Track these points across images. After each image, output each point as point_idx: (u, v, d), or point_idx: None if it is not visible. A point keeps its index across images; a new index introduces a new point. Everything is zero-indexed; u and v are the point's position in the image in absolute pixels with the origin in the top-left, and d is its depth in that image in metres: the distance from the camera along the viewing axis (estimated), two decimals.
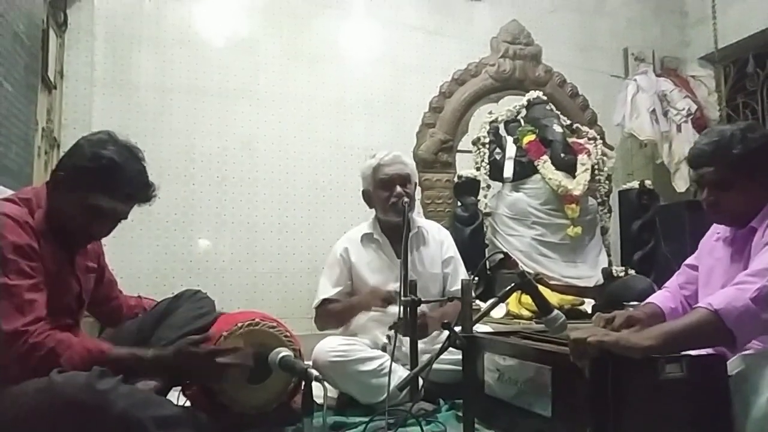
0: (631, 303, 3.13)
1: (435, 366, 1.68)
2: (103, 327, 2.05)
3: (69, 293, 1.71)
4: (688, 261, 1.94)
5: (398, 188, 2.42)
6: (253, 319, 1.83)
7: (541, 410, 1.59)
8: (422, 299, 2.03)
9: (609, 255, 3.99)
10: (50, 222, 1.64)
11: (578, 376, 1.43)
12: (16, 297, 1.48)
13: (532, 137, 3.82)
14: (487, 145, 3.85)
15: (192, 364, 1.62)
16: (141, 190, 1.72)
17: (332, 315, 2.47)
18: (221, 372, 1.66)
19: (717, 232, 1.82)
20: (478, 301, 3.24)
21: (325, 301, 2.48)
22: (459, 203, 3.79)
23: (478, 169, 3.82)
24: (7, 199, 1.65)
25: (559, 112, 4.03)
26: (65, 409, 1.38)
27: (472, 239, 3.62)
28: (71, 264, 1.72)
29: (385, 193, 2.46)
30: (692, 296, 1.87)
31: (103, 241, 1.91)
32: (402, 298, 2.02)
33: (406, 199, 2.38)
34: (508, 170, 3.80)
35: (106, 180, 1.63)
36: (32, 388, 1.42)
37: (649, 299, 1.95)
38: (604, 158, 4.00)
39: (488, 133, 3.88)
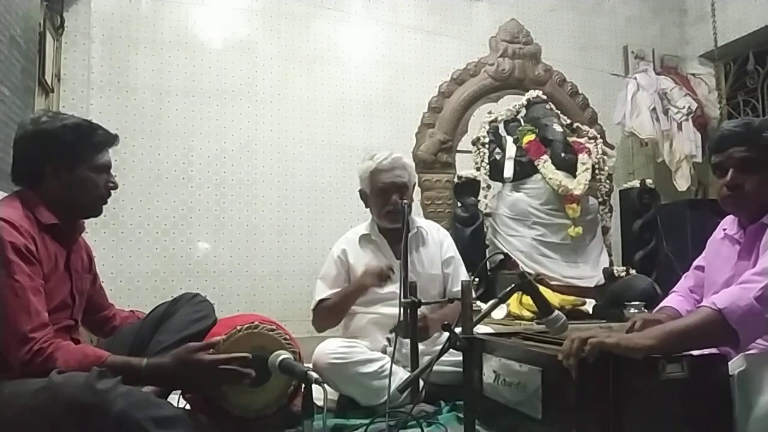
0: (633, 303, 3.12)
1: (436, 368, 1.66)
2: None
3: (66, 292, 1.72)
4: (696, 262, 1.91)
5: (394, 197, 2.39)
6: (253, 322, 1.81)
7: (532, 412, 1.58)
8: (422, 301, 2.02)
9: (610, 255, 3.98)
10: (59, 212, 1.68)
11: (567, 378, 1.42)
12: (23, 300, 1.50)
13: (532, 137, 3.81)
14: (487, 145, 3.83)
15: (192, 373, 1.60)
16: (110, 134, 1.80)
17: (328, 309, 2.43)
18: (222, 381, 1.65)
19: (724, 228, 1.80)
20: (478, 302, 3.23)
21: (322, 302, 2.46)
22: (459, 204, 3.77)
23: (477, 169, 3.80)
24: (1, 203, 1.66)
25: (559, 111, 4.02)
26: (64, 408, 1.38)
27: (472, 240, 3.61)
28: (67, 263, 1.73)
29: (381, 201, 2.43)
30: (702, 299, 1.82)
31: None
32: (402, 300, 2.00)
33: (405, 201, 2.35)
34: (508, 170, 3.79)
35: (95, 140, 1.74)
36: (32, 388, 1.42)
37: (665, 303, 1.92)
38: (605, 157, 3.99)
39: (488, 132, 3.87)
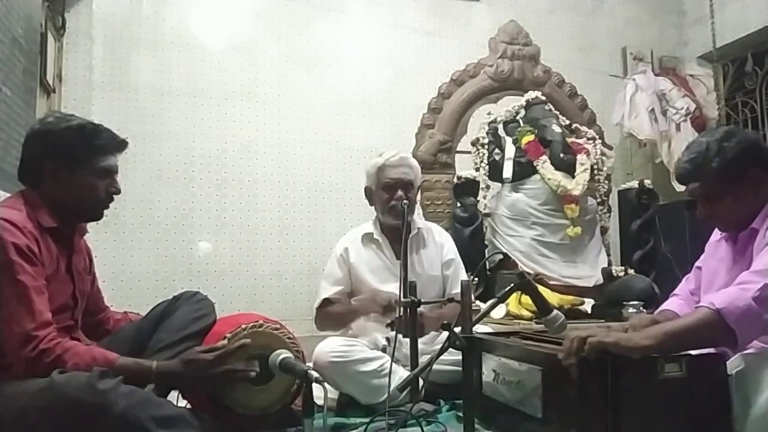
0: (631, 303, 3.13)
1: (435, 366, 1.68)
2: None
3: (68, 294, 1.72)
4: (697, 264, 1.93)
5: (399, 192, 2.42)
6: (257, 321, 1.82)
7: (532, 411, 1.59)
8: (421, 300, 2.03)
9: (609, 255, 3.98)
10: (58, 215, 1.68)
11: (567, 377, 1.43)
12: (25, 299, 1.50)
13: (531, 137, 3.82)
14: (486, 146, 3.84)
15: (199, 375, 1.62)
16: (117, 138, 1.78)
17: (332, 316, 2.48)
18: (228, 383, 1.67)
19: (720, 233, 1.83)
20: (477, 302, 3.24)
21: (326, 301, 2.49)
22: (458, 204, 3.78)
23: (477, 169, 3.81)
24: (3, 204, 1.66)
25: (557, 112, 4.02)
26: (66, 408, 1.39)
27: (471, 240, 3.61)
28: (68, 264, 1.73)
29: (386, 196, 2.47)
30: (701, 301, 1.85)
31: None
32: (401, 300, 2.02)
33: (405, 201, 2.38)
34: (508, 171, 3.79)
35: (98, 143, 1.72)
36: (34, 388, 1.43)
37: (664, 306, 1.94)
38: (604, 158, 3.99)
39: (487, 133, 3.87)
